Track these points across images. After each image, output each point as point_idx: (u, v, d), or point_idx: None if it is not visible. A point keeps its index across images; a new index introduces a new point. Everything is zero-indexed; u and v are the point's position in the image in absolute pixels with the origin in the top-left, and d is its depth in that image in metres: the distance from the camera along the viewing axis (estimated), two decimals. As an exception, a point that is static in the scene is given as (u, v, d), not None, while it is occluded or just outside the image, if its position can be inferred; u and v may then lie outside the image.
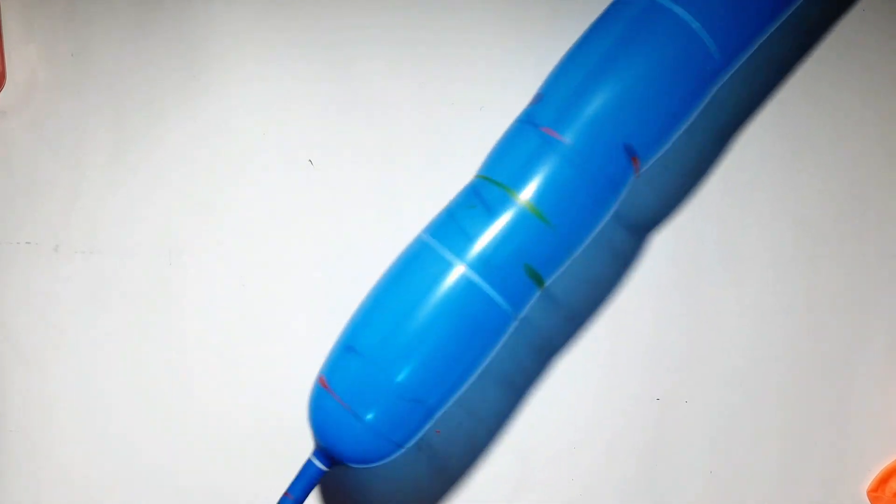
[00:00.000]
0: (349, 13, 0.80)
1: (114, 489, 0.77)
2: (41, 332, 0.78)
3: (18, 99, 0.80)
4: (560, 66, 0.71)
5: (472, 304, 0.66)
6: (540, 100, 0.70)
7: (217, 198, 0.79)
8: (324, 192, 0.79)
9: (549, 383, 0.78)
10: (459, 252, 0.67)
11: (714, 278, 0.79)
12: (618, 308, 0.78)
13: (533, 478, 0.77)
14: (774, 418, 0.78)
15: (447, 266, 0.66)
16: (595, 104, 0.68)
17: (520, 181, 0.67)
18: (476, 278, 0.66)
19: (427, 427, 0.68)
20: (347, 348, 0.67)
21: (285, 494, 0.69)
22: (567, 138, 0.67)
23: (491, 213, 0.67)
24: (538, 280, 0.68)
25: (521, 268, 0.67)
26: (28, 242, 0.79)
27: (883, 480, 0.77)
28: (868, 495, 0.77)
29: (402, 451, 0.68)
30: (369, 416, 0.66)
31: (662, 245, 0.79)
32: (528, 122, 0.69)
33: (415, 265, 0.68)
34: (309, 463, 0.69)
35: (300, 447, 0.75)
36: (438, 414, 0.68)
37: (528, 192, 0.67)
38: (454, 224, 0.68)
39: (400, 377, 0.66)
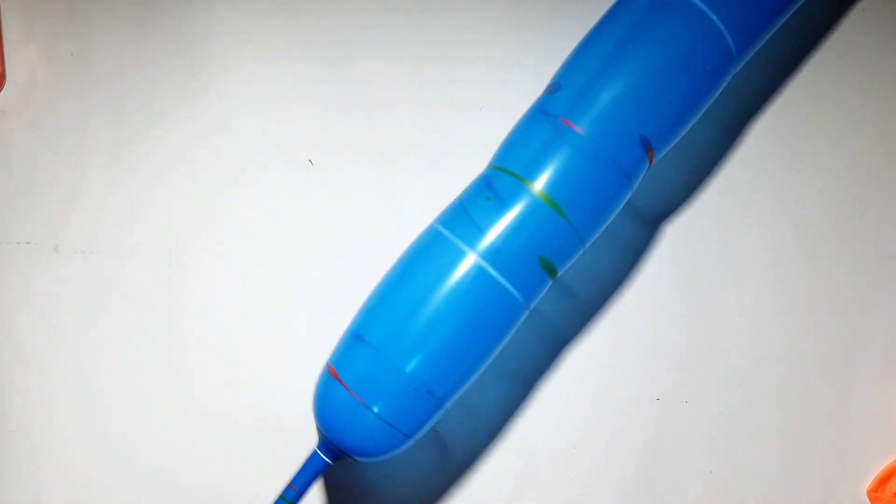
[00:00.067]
0: (349, 13, 0.80)
1: (114, 489, 0.77)
2: (41, 332, 0.78)
3: (18, 99, 0.80)
4: (575, 54, 0.70)
5: (484, 294, 0.66)
6: (555, 89, 0.69)
7: (217, 198, 0.79)
8: (324, 192, 0.79)
9: (549, 383, 0.78)
10: (471, 242, 0.66)
11: (714, 278, 0.79)
12: (618, 308, 0.78)
13: (533, 477, 0.77)
14: (774, 418, 0.78)
15: (459, 255, 0.66)
16: (611, 94, 0.67)
17: (534, 171, 0.67)
18: (488, 268, 0.66)
19: (436, 418, 0.68)
20: (357, 337, 0.67)
21: (289, 486, 0.69)
22: (582, 128, 0.67)
23: (504, 203, 0.67)
24: (551, 270, 0.68)
25: (534, 258, 0.67)
26: (28, 242, 0.79)
27: (883, 480, 0.77)
28: (868, 495, 0.77)
29: (411, 442, 0.68)
30: (378, 406, 0.66)
31: (662, 245, 0.79)
32: (543, 111, 0.69)
33: (426, 254, 0.67)
34: (314, 454, 0.69)
35: (300, 447, 0.75)
36: (448, 404, 0.68)
37: (541, 182, 0.67)
38: (466, 214, 0.67)
39: (410, 367, 0.65)
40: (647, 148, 0.69)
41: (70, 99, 0.80)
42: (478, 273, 0.66)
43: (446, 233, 0.67)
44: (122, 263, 0.78)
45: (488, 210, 0.67)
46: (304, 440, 0.75)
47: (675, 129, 0.70)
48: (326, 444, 0.68)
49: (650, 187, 0.78)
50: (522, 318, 0.69)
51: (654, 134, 0.69)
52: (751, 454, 0.77)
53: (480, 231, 0.66)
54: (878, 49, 0.80)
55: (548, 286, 0.69)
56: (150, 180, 0.79)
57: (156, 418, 0.77)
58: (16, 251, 0.78)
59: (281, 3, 0.80)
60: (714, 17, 0.68)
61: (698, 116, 0.71)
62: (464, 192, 0.69)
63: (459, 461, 0.77)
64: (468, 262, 0.66)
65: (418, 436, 0.68)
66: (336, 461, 0.69)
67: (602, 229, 0.70)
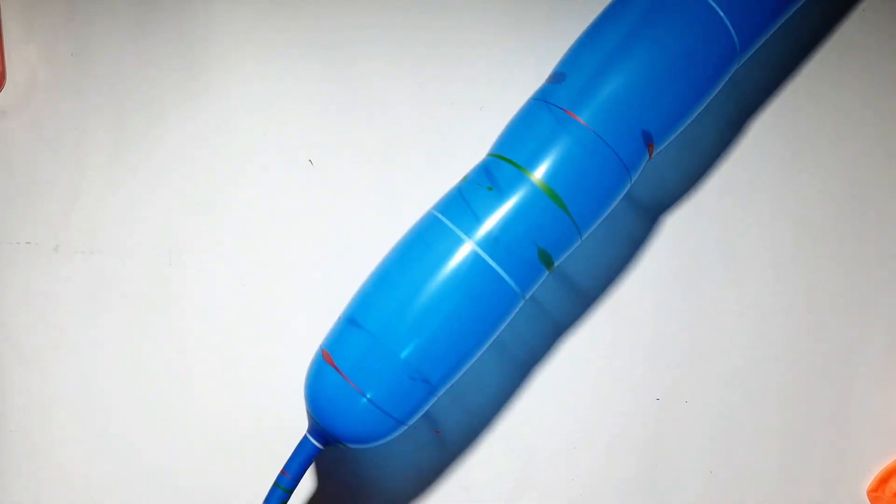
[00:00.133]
0: (349, 13, 0.80)
1: (114, 489, 0.77)
2: (41, 332, 0.78)
3: (18, 99, 0.80)
4: (578, 44, 0.70)
5: (480, 283, 0.66)
6: (559, 79, 0.69)
7: (217, 198, 0.79)
8: (324, 192, 0.79)
9: (549, 383, 0.78)
10: (469, 229, 0.66)
11: (714, 278, 0.79)
12: (617, 308, 0.78)
13: (533, 477, 0.77)
14: (774, 418, 0.78)
15: (456, 242, 0.66)
16: (614, 85, 0.67)
17: (534, 160, 0.67)
18: (485, 256, 0.66)
19: (429, 405, 0.68)
20: (352, 322, 0.67)
21: (282, 472, 0.69)
22: (585, 119, 0.67)
23: (502, 192, 0.67)
24: (547, 261, 0.68)
25: (532, 248, 0.67)
26: (28, 242, 0.79)
27: (883, 480, 0.77)
28: (868, 495, 0.77)
29: (403, 429, 0.68)
30: (371, 392, 0.66)
31: (662, 245, 0.79)
32: (545, 100, 0.69)
33: (424, 241, 0.67)
34: (304, 440, 0.69)
35: (300, 447, 0.75)
36: (441, 392, 0.68)
37: (541, 172, 0.67)
38: (464, 202, 0.67)
39: (405, 353, 0.65)
40: (648, 141, 0.69)
41: (70, 99, 0.80)
42: (474, 261, 0.66)
43: (444, 220, 0.67)
44: (122, 263, 0.78)
45: (487, 198, 0.67)
46: (304, 440, 0.75)
47: (677, 122, 0.70)
48: (317, 429, 0.68)
49: (650, 187, 0.78)
50: (518, 308, 0.69)
51: (655, 127, 0.69)
52: (751, 454, 0.77)
53: (478, 219, 0.66)
54: (879, 49, 0.80)
55: (544, 276, 0.69)
56: (150, 180, 0.79)
57: (156, 418, 0.77)
58: (16, 251, 0.79)
59: (281, 3, 0.80)
60: (719, 11, 0.68)
61: (700, 110, 0.71)
62: (462, 179, 0.69)
63: (459, 461, 0.77)
64: (465, 249, 0.66)
65: (410, 422, 0.68)
66: (326, 446, 0.69)
67: (599, 221, 0.70)
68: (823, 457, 0.78)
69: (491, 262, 0.66)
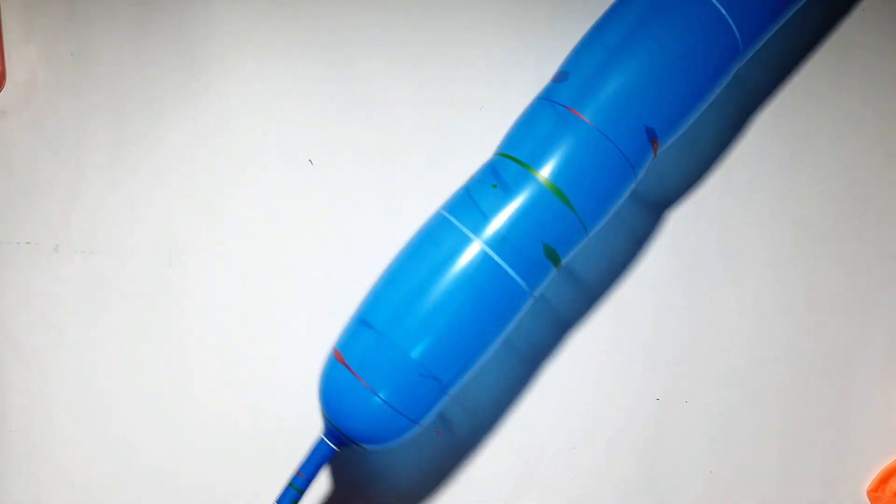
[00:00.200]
0: (349, 13, 0.80)
1: (114, 489, 0.76)
2: (41, 332, 0.78)
3: (18, 99, 0.80)
4: (583, 43, 0.71)
5: (489, 281, 0.66)
6: (562, 77, 0.70)
7: (217, 198, 0.79)
8: (324, 192, 0.79)
9: (549, 383, 0.78)
10: (476, 228, 0.66)
11: (714, 278, 0.78)
12: (617, 308, 0.78)
13: (533, 477, 0.77)
14: (774, 418, 0.78)
15: (464, 241, 0.66)
16: (618, 83, 0.68)
17: (540, 159, 0.67)
18: (493, 255, 0.66)
19: (442, 404, 0.68)
20: (363, 322, 0.67)
21: (297, 473, 0.69)
22: (589, 117, 0.67)
23: (509, 191, 0.67)
24: (555, 259, 0.68)
25: (539, 246, 0.67)
26: (28, 242, 0.79)
27: (883, 480, 0.77)
28: (868, 495, 0.77)
29: (417, 428, 0.68)
30: (384, 392, 0.66)
31: (662, 246, 0.79)
32: (550, 99, 0.69)
33: (432, 240, 0.68)
34: (320, 441, 0.69)
35: (300, 447, 0.75)
36: (454, 391, 0.68)
37: (547, 170, 0.67)
38: (471, 201, 0.67)
39: (415, 353, 0.66)
40: (653, 139, 0.69)
41: (70, 99, 0.80)
42: (482, 260, 0.66)
43: (452, 219, 0.67)
44: (122, 263, 0.78)
45: (494, 197, 0.67)
46: (304, 440, 0.75)
47: (681, 120, 0.70)
48: (332, 430, 0.68)
49: (651, 186, 0.78)
50: (527, 306, 0.69)
51: (659, 125, 0.69)
52: (751, 454, 0.77)
53: (486, 218, 0.67)
54: (878, 49, 0.80)
55: (552, 274, 0.69)
56: (150, 180, 0.79)
57: (156, 418, 0.77)
58: (16, 251, 0.78)
59: (281, 3, 0.80)
60: (721, 9, 0.68)
61: (704, 108, 0.71)
62: (470, 178, 0.70)
63: (460, 461, 0.77)
64: (473, 248, 0.66)
65: (424, 422, 0.68)
66: (342, 447, 0.69)
67: (606, 219, 0.70)
68: (823, 457, 0.77)
69: (499, 260, 0.66)
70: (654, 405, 0.77)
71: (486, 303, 0.66)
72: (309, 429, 0.74)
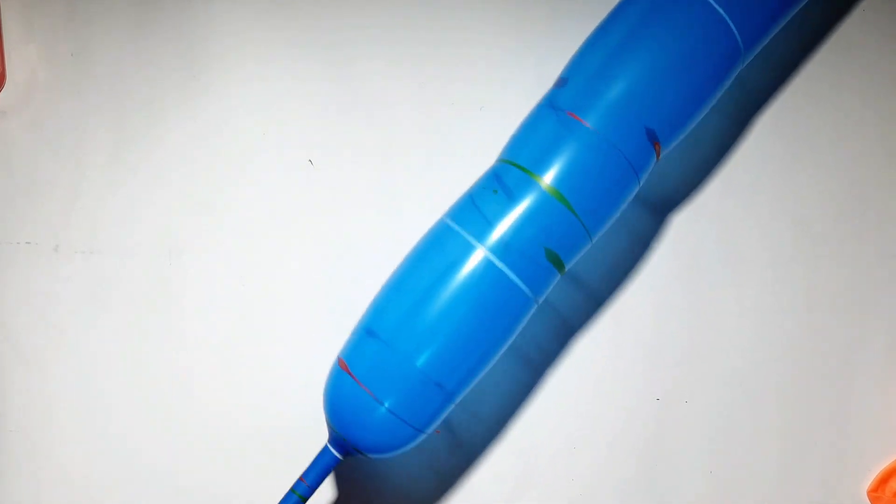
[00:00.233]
0: (349, 13, 0.80)
1: (114, 489, 0.76)
2: (41, 332, 0.78)
3: (18, 99, 0.80)
4: (583, 49, 0.71)
5: (493, 288, 0.66)
6: (563, 83, 0.70)
7: (217, 198, 0.79)
8: (324, 192, 0.79)
9: (549, 383, 0.78)
10: (480, 235, 0.66)
11: (714, 278, 0.78)
12: (618, 308, 0.78)
13: (533, 477, 0.77)
14: (774, 418, 0.78)
15: (468, 249, 0.66)
16: (618, 88, 0.68)
17: (542, 165, 0.67)
18: (497, 262, 0.66)
19: (447, 412, 0.68)
20: (368, 332, 0.67)
21: (300, 479, 0.69)
22: (590, 122, 0.67)
23: (512, 197, 0.67)
24: (559, 264, 0.68)
25: (542, 252, 0.67)
26: (28, 242, 0.79)
27: (883, 480, 0.77)
28: (868, 495, 0.77)
29: (421, 437, 0.68)
30: (389, 401, 0.66)
31: (662, 246, 0.79)
32: (551, 105, 0.69)
33: (436, 248, 0.68)
34: (325, 450, 0.69)
35: (300, 447, 0.75)
36: (458, 398, 0.68)
37: (550, 176, 0.67)
38: (475, 208, 0.67)
39: (420, 361, 0.66)
40: (655, 142, 0.69)
41: (70, 99, 0.80)
42: (486, 267, 0.66)
43: (455, 227, 0.67)
44: (122, 263, 0.78)
45: (497, 204, 0.67)
46: (304, 440, 0.75)
47: (683, 123, 0.70)
48: (337, 439, 0.68)
49: (651, 187, 0.78)
50: (531, 312, 0.69)
51: (661, 128, 0.69)
52: (751, 454, 0.77)
53: (489, 225, 0.67)
54: (879, 49, 0.80)
55: (556, 280, 0.69)
56: (150, 180, 0.79)
57: (156, 418, 0.77)
58: (16, 251, 0.78)
59: (281, 3, 0.80)
60: (722, 11, 0.68)
61: (705, 111, 0.71)
62: (473, 185, 0.70)
63: (460, 461, 0.77)
64: (477, 256, 0.66)
65: (429, 430, 0.68)
66: (346, 456, 0.69)
67: (610, 224, 0.70)
68: (823, 457, 0.77)
69: (503, 267, 0.66)
70: (654, 405, 0.77)
71: (490, 310, 0.66)
72: (309, 429, 0.74)
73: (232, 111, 0.80)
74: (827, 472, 0.77)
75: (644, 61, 0.68)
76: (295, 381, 0.76)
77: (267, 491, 0.75)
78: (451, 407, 0.68)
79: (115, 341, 0.78)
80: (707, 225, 0.79)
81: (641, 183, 0.70)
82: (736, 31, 0.69)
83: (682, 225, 0.79)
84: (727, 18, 0.69)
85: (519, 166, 0.68)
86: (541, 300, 0.69)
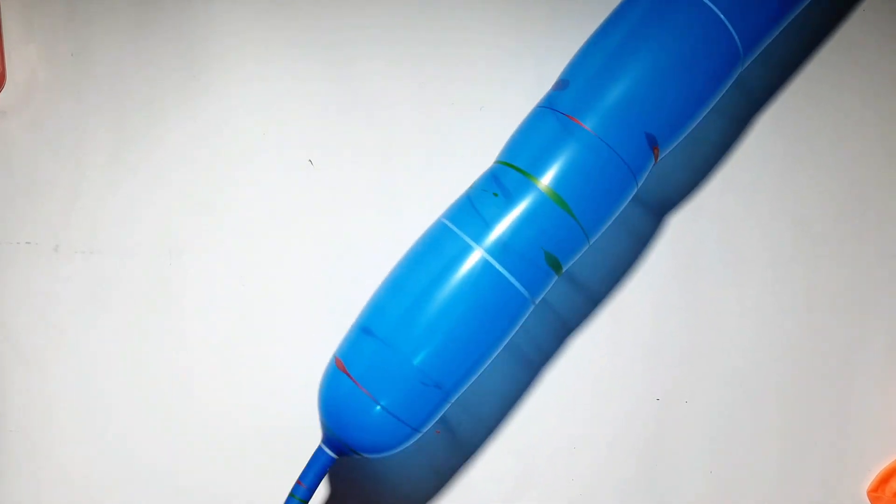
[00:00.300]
0: (349, 13, 0.80)
1: (114, 489, 0.77)
2: (41, 332, 0.78)
3: (18, 99, 0.80)
4: (583, 51, 0.71)
5: (490, 289, 0.66)
6: (562, 85, 0.70)
7: (217, 198, 0.79)
8: (324, 192, 0.79)
9: (549, 382, 0.78)
10: (478, 237, 0.67)
11: (714, 278, 0.78)
12: (617, 308, 0.78)
13: (533, 477, 0.77)
14: (774, 418, 0.78)
15: (466, 249, 0.66)
16: (618, 91, 0.68)
17: (541, 167, 0.67)
18: (494, 263, 0.66)
19: (443, 411, 0.68)
20: (365, 330, 0.67)
21: (298, 483, 0.69)
22: (589, 125, 0.67)
23: (510, 199, 0.67)
24: (556, 266, 0.68)
25: (540, 254, 0.67)
26: (28, 242, 0.79)
27: (883, 480, 0.77)
28: (868, 495, 0.77)
29: (417, 436, 0.68)
30: (385, 399, 0.66)
31: (662, 245, 0.79)
32: (550, 107, 0.69)
33: (433, 248, 0.68)
34: (319, 450, 0.69)
35: (300, 447, 0.75)
36: (454, 398, 0.68)
37: (548, 178, 0.67)
38: (473, 209, 0.68)
39: (417, 360, 0.66)
40: (653, 145, 0.69)
41: (70, 99, 0.80)
42: (484, 268, 0.66)
43: (453, 227, 0.67)
44: (122, 263, 0.78)
45: (495, 205, 0.67)
46: (304, 440, 0.75)
47: (682, 126, 0.70)
48: (331, 439, 0.68)
49: (651, 187, 0.78)
50: (528, 313, 0.69)
51: (660, 131, 0.69)
52: (751, 454, 0.77)
53: (487, 226, 0.67)
54: (879, 49, 0.80)
55: (553, 281, 0.69)
56: (150, 180, 0.79)
57: (156, 418, 0.77)
58: (16, 251, 0.78)
59: (281, 3, 0.80)
60: (721, 15, 0.68)
61: (704, 114, 0.71)
62: (471, 186, 0.70)
63: (459, 461, 0.77)
64: (474, 256, 0.66)
65: (425, 429, 0.68)
66: (341, 456, 0.69)
67: (607, 226, 0.70)
68: (823, 457, 0.77)
69: (500, 268, 0.66)
70: (654, 405, 0.77)
71: (487, 310, 0.67)
72: (308, 429, 0.74)
73: (232, 111, 0.80)
74: (827, 472, 0.77)
75: (644, 65, 0.68)
76: (295, 382, 0.76)
77: (267, 491, 0.75)
78: (447, 406, 0.68)
79: (115, 341, 0.78)
80: (707, 225, 0.79)
81: (639, 185, 0.70)
82: (735, 35, 0.69)
83: (682, 224, 0.79)
84: (726, 22, 0.69)
85: (517, 168, 0.68)
86: (538, 301, 0.69)
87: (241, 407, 0.77)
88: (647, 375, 0.78)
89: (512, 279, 0.67)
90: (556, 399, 0.77)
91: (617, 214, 0.70)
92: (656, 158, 0.70)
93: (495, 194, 0.67)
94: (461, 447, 0.77)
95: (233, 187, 0.79)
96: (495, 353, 0.69)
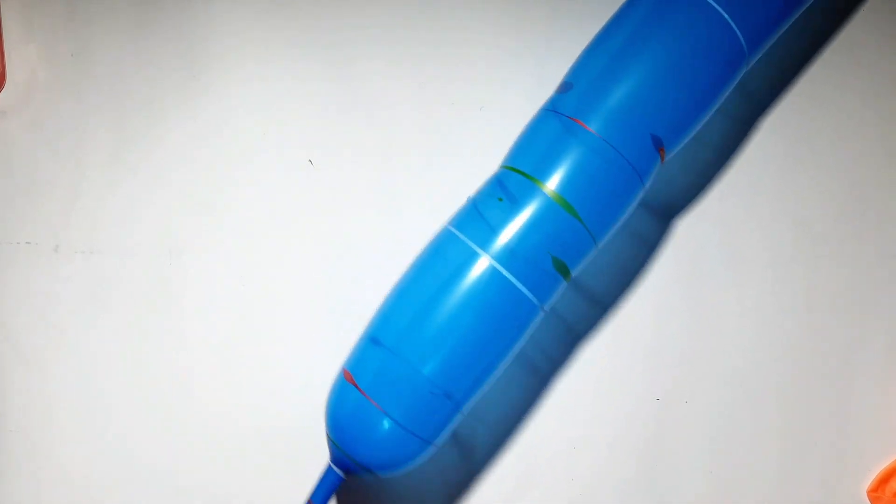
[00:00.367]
0: (349, 13, 0.80)
1: (114, 489, 0.76)
2: (41, 332, 0.78)
3: (18, 99, 0.80)
4: (587, 53, 0.70)
5: (498, 296, 0.66)
6: (566, 88, 0.69)
7: (217, 198, 0.79)
8: (324, 192, 0.79)
9: (549, 383, 0.78)
10: (484, 243, 0.66)
11: (715, 279, 0.78)
12: (618, 309, 0.78)
13: (533, 477, 0.77)
14: (774, 418, 0.78)
15: (473, 257, 0.66)
16: (622, 92, 0.67)
17: (546, 171, 0.67)
18: (502, 270, 0.66)
19: (455, 422, 0.68)
20: (373, 340, 0.66)
21: (308, 501, 0.69)
22: (594, 127, 0.67)
23: (516, 204, 0.66)
24: (564, 271, 0.68)
25: (548, 259, 0.66)
26: (28, 242, 0.79)
27: (883, 480, 0.77)
28: (868, 495, 0.77)
29: (431, 449, 0.67)
30: (395, 411, 0.65)
31: (663, 246, 0.79)
32: (554, 111, 0.69)
33: (440, 257, 0.67)
34: (329, 470, 0.69)
35: (300, 447, 0.75)
36: (466, 408, 0.68)
37: (554, 182, 0.66)
38: (479, 215, 0.67)
39: (427, 370, 0.65)
40: (659, 146, 0.69)
41: (70, 99, 0.80)
42: (491, 275, 0.65)
43: (459, 234, 0.67)
44: (122, 263, 0.78)
45: (501, 211, 0.66)
46: (304, 440, 0.75)
47: (687, 127, 0.70)
48: (341, 458, 0.67)
49: (653, 189, 0.78)
50: (538, 320, 0.69)
51: (665, 132, 0.68)
52: (751, 454, 0.77)
53: (494, 232, 0.66)
54: (879, 50, 0.80)
55: (562, 287, 0.69)
56: (150, 180, 0.79)
57: (156, 418, 0.77)
58: (16, 251, 0.78)
59: (281, 3, 0.80)
60: (725, 15, 0.68)
61: (710, 114, 0.71)
62: (476, 193, 0.69)
63: (461, 461, 0.77)
64: (482, 263, 0.66)
65: (437, 441, 0.67)
66: (349, 475, 0.69)
67: (615, 229, 0.70)
68: (823, 457, 0.77)
69: (508, 274, 0.66)
70: (655, 405, 0.77)
71: (496, 318, 0.66)
72: (308, 429, 0.74)
73: (232, 111, 0.80)
74: (827, 472, 0.77)
75: (648, 66, 0.67)
76: (295, 382, 0.76)
77: (267, 491, 0.75)
78: (459, 417, 0.68)
79: (115, 341, 0.78)
80: (707, 225, 0.79)
81: (646, 188, 0.70)
82: (740, 34, 0.69)
83: (683, 225, 0.79)
84: (730, 21, 0.68)
85: (522, 173, 0.67)
86: (547, 308, 0.69)
87: (242, 407, 0.77)
88: (648, 375, 0.78)
89: (519, 285, 0.66)
90: (556, 399, 0.77)
91: (625, 217, 0.70)
92: (662, 159, 0.70)
93: (500, 199, 0.67)
94: (463, 448, 0.77)
95: (233, 187, 0.79)
96: (505, 362, 0.68)
